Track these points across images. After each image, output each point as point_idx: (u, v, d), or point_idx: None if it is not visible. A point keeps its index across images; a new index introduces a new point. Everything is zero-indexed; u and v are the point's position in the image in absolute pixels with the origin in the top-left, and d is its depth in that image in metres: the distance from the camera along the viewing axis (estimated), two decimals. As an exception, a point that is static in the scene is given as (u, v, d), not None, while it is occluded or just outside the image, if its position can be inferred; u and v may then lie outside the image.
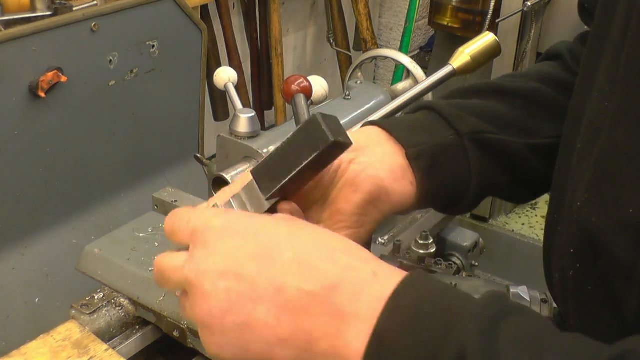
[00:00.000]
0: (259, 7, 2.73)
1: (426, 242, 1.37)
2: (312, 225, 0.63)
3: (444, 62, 1.08)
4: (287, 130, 1.30)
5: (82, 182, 1.64)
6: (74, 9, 1.56)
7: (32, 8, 1.56)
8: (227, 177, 1.18)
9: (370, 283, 0.55)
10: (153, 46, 1.69)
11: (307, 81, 1.25)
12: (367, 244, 1.09)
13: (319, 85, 1.33)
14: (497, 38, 1.06)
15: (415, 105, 0.87)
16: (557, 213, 0.74)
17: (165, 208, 1.22)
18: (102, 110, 1.63)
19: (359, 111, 1.46)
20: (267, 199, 0.65)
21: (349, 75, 1.60)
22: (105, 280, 1.10)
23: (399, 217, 1.50)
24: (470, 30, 2.58)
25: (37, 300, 1.54)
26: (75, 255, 1.15)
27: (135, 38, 1.65)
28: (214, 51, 2.49)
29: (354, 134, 0.79)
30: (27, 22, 1.50)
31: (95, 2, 1.64)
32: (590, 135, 0.67)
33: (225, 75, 1.37)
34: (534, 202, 2.81)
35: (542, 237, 0.80)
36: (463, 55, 1.06)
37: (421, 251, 1.36)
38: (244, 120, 1.23)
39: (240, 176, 0.73)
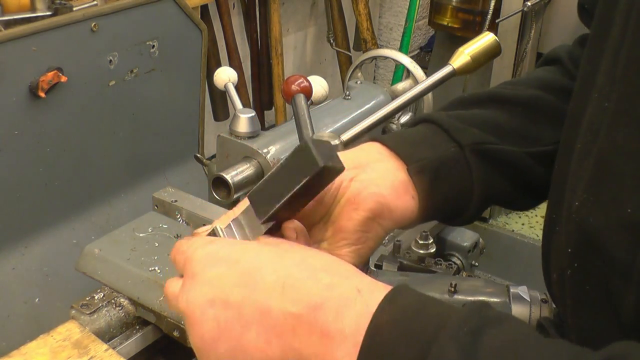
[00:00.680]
0: (259, 7, 2.73)
1: (426, 242, 1.37)
2: (297, 246, 0.65)
3: (444, 62, 1.08)
4: (287, 130, 1.30)
5: (82, 182, 1.64)
6: (74, 9, 1.56)
7: (32, 8, 1.56)
8: (227, 177, 1.18)
9: (354, 300, 0.57)
10: (153, 46, 1.69)
11: (307, 81, 1.25)
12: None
13: (319, 85, 1.33)
14: (497, 38, 1.06)
15: (414, 118, 0.87)
16: (556, 213, 0.74)
17: (165, 208, 1.22)
18: (102, 110, 1.63)
19: (359, 111, 1.46)
20: (263, 223, 0.67)
21: (349, 75, 1.60)
22: (105, 280, 1.10)
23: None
24: (470, 30, 2.58)
25: (37, 300, 1.54)
26: (75, 255, 1.15)
27: (135, 38, 1.64)
28: (214, 51, 2.49)
29: (354, 151, 0.80)
30: (27, 22, 1.50)
31: (95, 2, 1.64)
32: (590, 136, 0.67)
33: (225, 75, 1.37)
34: (534, 202, 2.80)
35: (541, 237, 0.81)
36: (463, 55, 1.06)
37: (421, 251, 1.36)
38: (244, 120, 1.23)
39: (242, 200, 0.74)
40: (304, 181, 0.63)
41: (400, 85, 1.55)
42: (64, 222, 1.61)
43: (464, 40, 1.11)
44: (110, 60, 1.60)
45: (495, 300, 1.17)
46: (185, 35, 1.78)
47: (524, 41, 2.65)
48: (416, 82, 1.47)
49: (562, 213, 0.70)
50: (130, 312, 1.10)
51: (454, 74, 1.08)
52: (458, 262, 1.54)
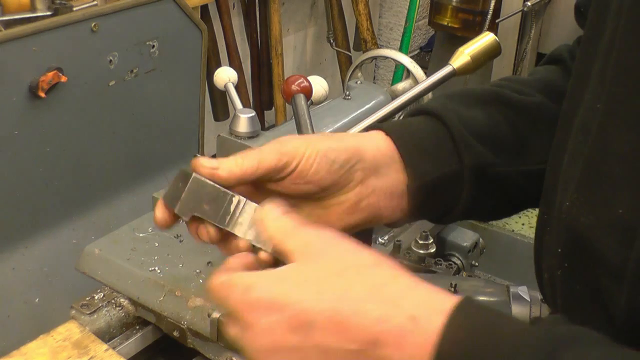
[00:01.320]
0: (259, 7, 2.73)
1: (426, 242, 1.37)
2: (332, 270, 0.62)
3: (444, 62, 1.08)
4: (287, 130, 1.30)
5: (82, 182, 1.64)
6: (74, 9, 1.56)
7: (32, 8, 1.56)
8: (227, 177, 1.18)
9: (411, 332, 0.55)
10: (153, 46, 1.69)
11: (307, 81, 1.25)
12: (367, 244, 1.09)
13: (319, 85, 1.33)
14: (497, 38, 1.06)
15: (423, 107, 0.86)
16: (547, 214, 0.74)
17: (165, 208, 1.22)
18: (102, 110, 1.63)
19: (359, 111, 1.45)
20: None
21: (349, 75, 1.60)
22: (105, 280, 1.10)
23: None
24: (470, 30, 2.58)
25: (37, 300, 1.53)
26: (75, 255, 1.15)
27: (135, 38, 1.64)
28: (214, 51, 2.49)
29: (371, 141, 0.78)
30: (27, 22, 1.50)
31: (95, 2, 1.64)
32: (582, 136, 0.67)
33: (225, 75, 1.37)
34: (534, 202, 2.80)
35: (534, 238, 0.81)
36: (463, 55, 1.06)
37: (421, 251, 1.36)
38: (244, 120, 1.23)
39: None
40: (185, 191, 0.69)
41: (400, 85, 1.55)
42: (64, 222, 1.61)
43: (464, 40, 1.11)
44: (110, 60, 1.60)
45: (495, 300, 1.17)
46: (185, 35, 1.78)
47: (524, 41, 2.65)
48: (416, 82, 1.47)
49: (553, 213, 0.71)
50: (130, 312, 1.10)
51: (454, 74, 1.08)
52: (458, 262, 1.54)
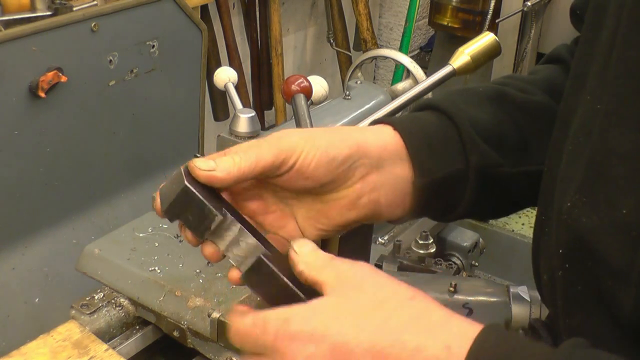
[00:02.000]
0: (259, 7, 2.73)
1: (426, 242, 1.37)
2: (369, 303, 0.63)
3: (444, 62, 1.08)
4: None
5: (82, 182, 1.64)
6: (74, 9, 1.56)
7: (32, 8, 1.56)
8: (227, 177, 1.18)
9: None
10: (153, 46, 1.69)
11: (307, 81, 1.25)
12: (367, 244, 1.09)
13: (319, 85, 1.33)
14: (497, 38, 1.06)
15: (432, 102, 0.85)
16: (545, 215, 0.74)
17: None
18: (102, 110, 1.63)
19: (359, 111, 1.46)
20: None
21: (349, 75, 1.60)
22: (105, 280, 1.10)
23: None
24: (470, 30, 2.58)
25: (37, 300, 1.53)
26: (75, 255, 1.15)
27: (135, 38, 1.64)
28: (214, 51, 2.49)
29: (377, 135, 0.78)
30: (27, 22, 1.50)
31: (95, 2, 1.64)
32: (582, 137, 0.67)
33: (225, 75, 1.37)
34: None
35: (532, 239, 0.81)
36: (463, 55, 1.06)
37: (421, 251, 1.36)
38: (244, 120, 1.23)
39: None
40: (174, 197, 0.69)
41: (400, 85, 1.55)
42: (64, 222, 1.61)
43: (464, 40, 1.11)
44: (110, 60, 1.60)
45: (495, 300, 1.17)
46: (185, 35, 1.78)
47: (524, 41, 2.65)
48: (416, 82, 1.47)
49: (551, 215, 0.71)
50: (130, 312, 1.10)
51: (454, 74, 1.08)
52: (458, 262, 1.54)
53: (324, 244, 0.82)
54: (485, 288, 1.20)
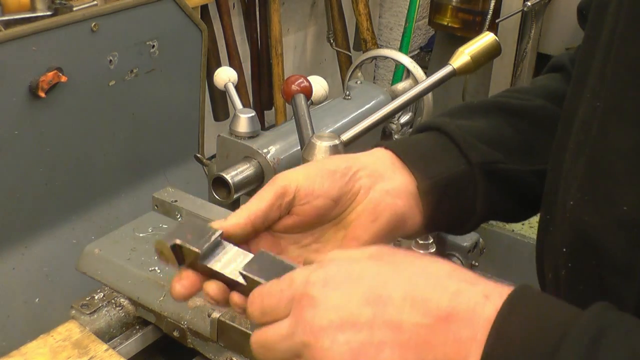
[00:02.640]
0: (259, 7, 2.73)
1: (426, 242, 1.36)
2: (411, 255, 0.62)
3: (444, 62, 1.08)
4: (287, 130, 1.30)
5: (82, 182, 1.64)
6: (74, 9, 1.56)
7: (32, 8, 1.56)
8: (227, 177, 1.18)
9: (483, 305, 0.56)
10: (153, 46, 1.69)
11: (307, 81, 1.25)
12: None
13: (319, 85, 1.33)
14: (497, 38, 1.06)
15: (422, 123, 0.86)
16: (550, 213, 0.74)
17: (165, 208, 1.22)
18: (102, 110, 1.63)
19: (359, 111, 1.46)
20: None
21: (349, 75, 1.60)
22: (105, 280, 1.10)
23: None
24: (470, 30, 2.58)
25: (37, 300, 1.54)
26: (75, 255, 1.15)
27: (135, 38, 1.65)
28: (214, 51, 2.49)
29: (368, 156, 0.79)
30: (27, 22, 1.50)
31: (95, 2, 1.64)
32: (582, 135, 0.67)
33: (225, 75, 1.37)
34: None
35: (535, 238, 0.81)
36: (463, 55, 1.06)
37: (421, 251, 1.36)
38: (244, 120, 1.23)
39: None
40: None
41: (400, 85, 1.55)
42: (64, 222, 1.61)
43: (464, 40, 1.11)
44: (110, 60, 1.60)
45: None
46: (185, 35, 1.78)
47: (524, 41, 2.65)
48: (416, 82, 1.47)
49: (555, 213, 0.71)
50: (130, 312, 1.10)
51: (454, 74, 1.08)
52: (458, 262, 1.54)
53: None
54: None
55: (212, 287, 0.67)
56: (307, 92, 1.24)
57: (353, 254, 0.63)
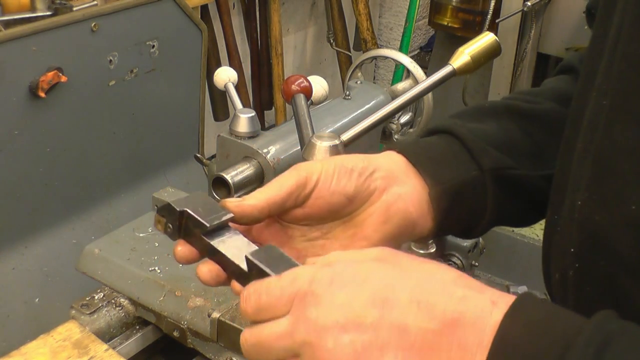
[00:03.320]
0: (259, 7, 2.73)
1: (426, 242, 1.36)
2: (417, 260, 0.62)
3: (444, 62, 1.08)
4: (287, 130, 1.30)
5: (82, 182, 1.64)
6: (74, 9, 1.56)
7: (32, 8, 1.56)
8: (227, 177, 1.18)
9: (490, 312, 0.56)
10: (153, 46, 1.69)
11: (307, 81, 1.25)
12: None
13: (319, 85, 1.33)
14: (497, 38, 1.06)
15: (435, 125, 0.86)
16: (557, 214, 0.74)
17: (165, 208, 1.22)
18: (102, 110, 1.63)
19: (359, 111, 1.45)
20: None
21: (349, 75, 1.60)
22: (105, 280, 1.10)
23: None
24: (470, 30, 2.58)
25: (37, 300, 1.54)
26: (75, 255, 1.15)
27: (135, 38, 1.65)
28: (214, 51, 2.49)
29: (382, 158, 0.79)
30: (27, 22, 1.50)
31: (95, 2, 1.65)
32: (590, 134, 0.67)
33: (225, 75, 1.37)
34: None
35: (542, 237, 0.81)
36: (463, 55, 1.06)
37: (421, 251, 1.36)
38: (244, 120, 1.23)
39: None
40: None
41: (400, 85, 1.55)
42: (64, 222, 1.61)
43: (464, 40, 1.11)
44: (110, 60, 1.60)
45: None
46: (185, 35, 1.78)
47: (524, 41, 2.65)
48: (416, 82, 1.47)
49: (563, 213, 0.70)
50: (130, 312, 1.10)
51: (454, 74, 1.08)
52: (458, 262, 1.54)
53: None
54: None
55: (208, 268, 0.67)
56: (307, 92, 1.24)
57: (356, 255, 0.62)
